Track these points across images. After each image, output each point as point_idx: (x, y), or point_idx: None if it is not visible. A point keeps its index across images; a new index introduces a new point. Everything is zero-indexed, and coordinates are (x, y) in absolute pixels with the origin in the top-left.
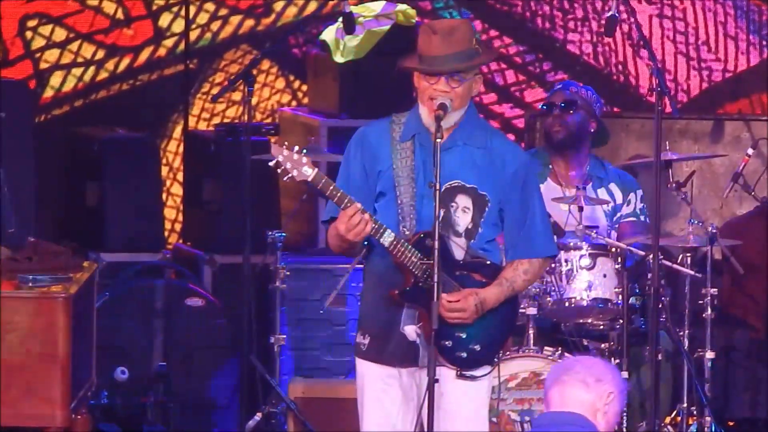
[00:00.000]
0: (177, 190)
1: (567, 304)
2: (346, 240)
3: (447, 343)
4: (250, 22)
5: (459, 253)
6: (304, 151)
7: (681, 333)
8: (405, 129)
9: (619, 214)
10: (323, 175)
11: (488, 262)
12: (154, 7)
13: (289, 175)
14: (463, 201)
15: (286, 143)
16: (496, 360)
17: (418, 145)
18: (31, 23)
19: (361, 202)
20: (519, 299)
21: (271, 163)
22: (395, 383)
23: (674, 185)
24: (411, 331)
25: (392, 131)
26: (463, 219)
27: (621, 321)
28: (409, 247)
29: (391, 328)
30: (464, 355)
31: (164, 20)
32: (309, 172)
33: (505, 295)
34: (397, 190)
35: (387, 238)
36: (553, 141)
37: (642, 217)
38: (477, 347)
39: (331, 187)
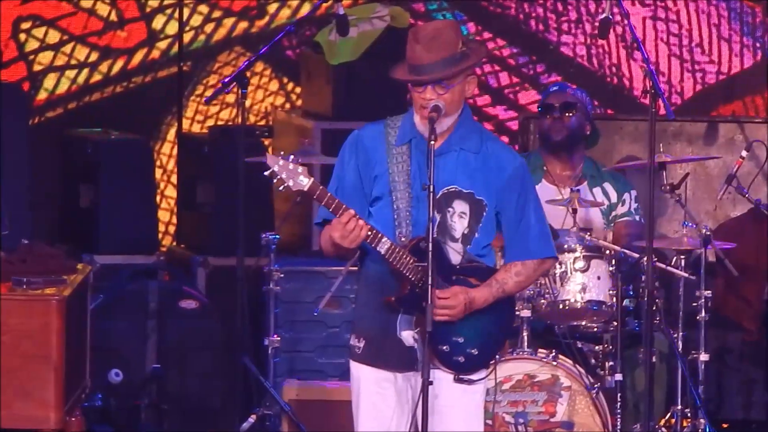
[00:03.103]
0: (171, 192)
1: (561, 306)
2: (342, 247)
3: (444, 347)
4: (243, 25)
5: (455, 258)
6: (299, 159)
7: (675, 335)
8: (400, 133)
9: (614, 214)
10: (319, 184)
11: (484, 266)
12: (148, 9)
13: (285, 185)
14: (459, 206)
15: (282, 152)
16: (492, 362)
17: (415, 149)
18: (25, 25)
19: (356, 206)
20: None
21: (266, 173)
22: (390, 387)
23: (668, 187)
24: (408, 336)
25: (387, 135)
26: (459, 224)
27: (615, 323)
28: (406, 253)
29: (387, 333)
30: (461, 359)
31: (158, 22)
32: (305, 182)
33: (494, 296)
34: (393, 195)
35: (383, 245)
36: (552, 142)
37: (637, 217)
38: (474, 351)
39: (327, 196)
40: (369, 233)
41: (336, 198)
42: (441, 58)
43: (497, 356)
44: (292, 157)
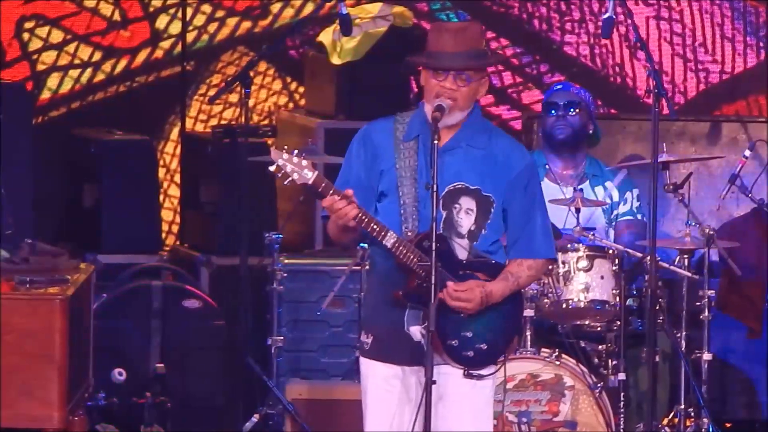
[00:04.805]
0: (174, 191)
1: (564, 305)
2: (342, 228)
3: (453, 342)
4: (247, 24)
5: (462, 253)
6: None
7: (678, 334)
8: (409, 128)
9: (615, 212)
10: (324, 177)
11: (492, 262)
12: (151, 9)
13: (290, 178)
14: (466, 203)
15: (285, 147)
16: (501, 359)
17: (422, 146)
18: (28, 25)
19: (362, 200)
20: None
21: (271, 168)
22: (398, 383)
23: (671, 187)
24: (416, 331)
25: (396, 130)
26: (466, 221)
27: (618, 322)
28: (412, 248)
29: (395, 328)
30: (471, 354)
31: (161, 22)
32: (309, 175)
33: (510, 290)
34: (400, 191)
35: (389, 239)
36: (555, 140)
37: (639, 216)
38: (483, 346)
39: (332, 190)
40: (375, 227)
41: (341, 192)
42: (468, 49)
43: (506, 352)
44: (296, 151)
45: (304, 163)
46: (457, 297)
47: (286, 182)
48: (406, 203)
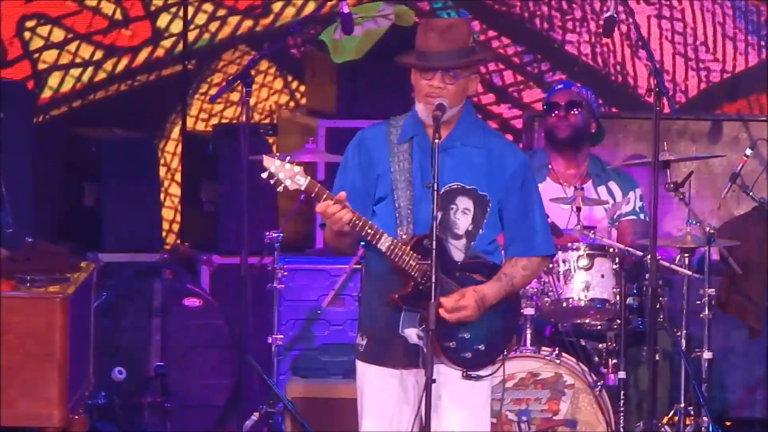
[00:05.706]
0: (175, 190)
1: (564, 304)
2: (337, 233)
3: (451, 344)
4: (248, 23)
5: (458, 255)
6: (297, 158)
7: (678, 333)
8: (402, 131)
9: (618, 213)
10: (316, 183)
11: (487, 262)
12: (153, 8)
13: (282, 185)
14: (463, 203)
15: (277, 154)
16: (500, 358)
17: (416, 147)
18: (30, 24)
19: (360, 206)
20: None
21: (263, 175)
22: (395, 383)
23: (672, 186)
24: (412, 333)
25: (389, 134)
26: (463, 221)
27: (618, 321)
28: (407, 250)
29: (392, 331)
30: (469, 355)
31: (162, 21)
32: (302, 181)
33: (505, 290)
34: (395, 194)
35: (384, 242)
36: (557, 140)
37: (642, 216)
38: (481, 347)
39: (325, 195)
40: (370, 231)
41: (334, 196)
42: (453, 48)
43: (504, 352)
44: (288, 157)
45: (297, 168)
46: (453, 308)
47: (279, 189)
48: (401, 206)
